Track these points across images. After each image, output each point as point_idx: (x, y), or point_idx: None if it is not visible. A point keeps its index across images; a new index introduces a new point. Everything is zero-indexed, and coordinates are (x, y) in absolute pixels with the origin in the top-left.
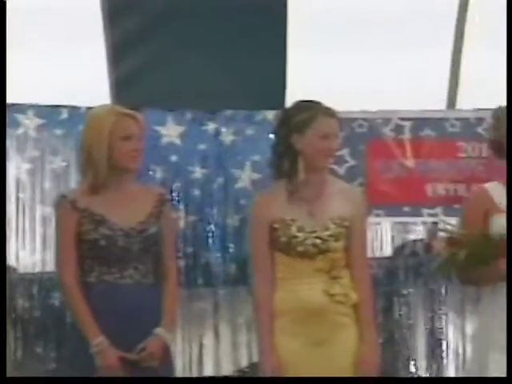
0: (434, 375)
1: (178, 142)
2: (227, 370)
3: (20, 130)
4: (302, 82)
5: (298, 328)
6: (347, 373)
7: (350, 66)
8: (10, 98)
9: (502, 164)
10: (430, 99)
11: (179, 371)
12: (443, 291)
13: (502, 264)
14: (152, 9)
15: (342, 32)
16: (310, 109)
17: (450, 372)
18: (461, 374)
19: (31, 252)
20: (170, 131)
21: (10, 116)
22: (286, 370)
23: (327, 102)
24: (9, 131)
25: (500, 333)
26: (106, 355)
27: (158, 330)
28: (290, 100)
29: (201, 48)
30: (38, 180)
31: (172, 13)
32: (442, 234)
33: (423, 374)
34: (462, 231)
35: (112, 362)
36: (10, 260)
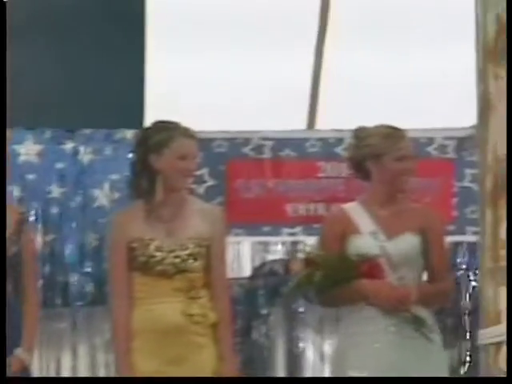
0: None
1: (35, 160)
2: None
3: None
4: (161, 95)
5: (155, 348)
6: None
7: (206, 80)
8: None
9: (362, 184)
10: (291, 119)
11: None
12: (303, 311)
13: (360, 285)
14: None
15: (204, 40)
16: (168, 129)
17: None
18: None
19: None
20: (28, 150)
21: None
22: None
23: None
24: None
25: (357, 354)
26: None
27: (18, 351)
28: (150, 114)
29: (58, 62)
30: None
31: (29, 25)
32: (300, 254)
33: None
34: (319, 252)
35: None
36: None
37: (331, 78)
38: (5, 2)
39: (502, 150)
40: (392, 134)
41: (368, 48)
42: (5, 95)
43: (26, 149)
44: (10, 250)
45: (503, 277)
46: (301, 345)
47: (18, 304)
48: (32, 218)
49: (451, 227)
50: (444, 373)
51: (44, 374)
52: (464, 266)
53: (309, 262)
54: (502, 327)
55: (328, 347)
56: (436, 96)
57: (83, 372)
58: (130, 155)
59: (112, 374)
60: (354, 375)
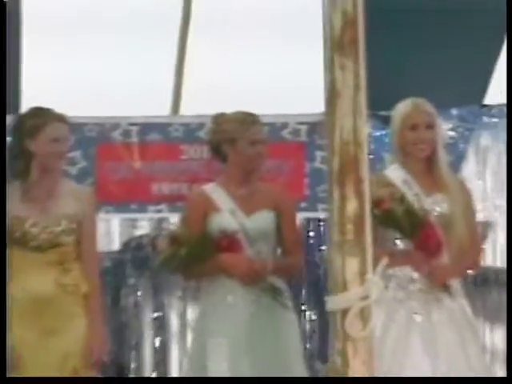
0: (154, 362)
1: None
2: None
3: None
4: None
5: (31, 318)
6: (76, 360)
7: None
8: None
9: (221, 166)
10: (155, 105)
11: None
12: (168, 282)
13: (221, 259)
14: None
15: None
16: (42, 115)
17: (172, 358)
18: (181, 358)
19: None
20: None
21: None
22: (23, 362)
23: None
24: None
25: (217, 322)
26: None
27: None
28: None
29: None
30: None
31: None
32: (165, 231)
33: (145, 361)
34: (182, 230)
35: None
36: None
37: (193, 69)
38: (5, 3)
39: (347, 135)
40: (246, 120)
41: (229, 39)
42: (5, 93)
43: None
44: None
45: (349, 249)
46: (166, 312)
47: None
48: None
49: (304, 205)
50: (297, 339)
51: None
52: (315, 240)
53: (173, 239)
54: (348, 294)
55: (191, 315)
56: (290, 85)
57: None
58: (8, 139)
59: None
60: (213, 342)
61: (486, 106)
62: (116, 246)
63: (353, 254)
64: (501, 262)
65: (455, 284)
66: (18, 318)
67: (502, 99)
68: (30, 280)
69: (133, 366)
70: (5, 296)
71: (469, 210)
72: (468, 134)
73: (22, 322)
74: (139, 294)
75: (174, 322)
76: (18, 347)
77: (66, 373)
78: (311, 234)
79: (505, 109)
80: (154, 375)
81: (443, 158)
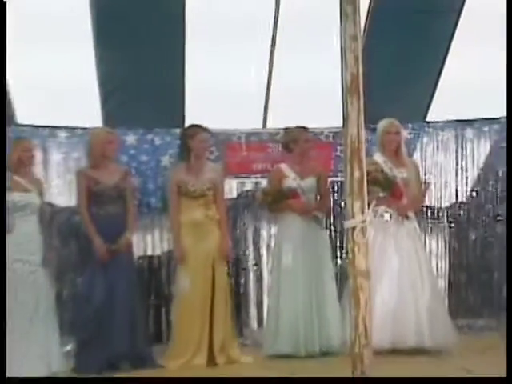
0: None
1: (147, 146)
2: (158, 251)
3: None
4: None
5: (191, 232)
6: (216, 254)
7: None
8: None
9: (287, 154)
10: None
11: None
12: (261, 214)
13: (289, 202)
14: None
15: None
16: (196, 128)
17: (264, 253)
18: (267, 254)
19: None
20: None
21: None
22: (187, 253)
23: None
24: None
25: (286, 234)
26: (100, 246)
27: (128, 233)
28: None
29: None
30: None
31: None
32: (259, 188)
33: (251, 251)
34: (269, 187)
35: (103, 251)
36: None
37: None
38: (5, 2)
39: (354, 138)
40: (301, 130)
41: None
42: (5, 95)
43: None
44: (125, 183)
45: (355, 196)
46: (260, 229)
47: (124, 212)
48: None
49: (331, 174)
50: (327, 244)
51: None
52: (337, 193)
53: (264, 192)
54: (355, 220)
55: (273, 230)
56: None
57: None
58: (177, 141)
59: (170, 246)
60: (284, 245)
61: (427, 122)
62: (234, 195)
63: (357, 199)
64: (430, 201)
65: (411, 214)
66: (185, 233)
67: (435, 117)
68: (190, 213)
69: (248, 254)
70: (5, 296)
71: (417, 176)
72: (416, 137)
73: (187, 235)
74: (245, 221)
75: (264, 234)
76: (184, 247)
77: (208, 263)
78: (335, 189)
79: (437, 125)
80: (254, 263)
81: (403, 149)
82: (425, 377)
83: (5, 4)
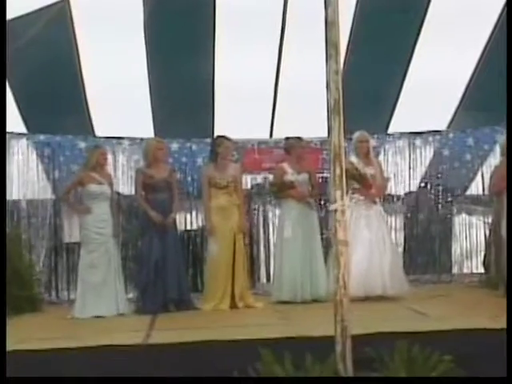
0: None
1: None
2: (195, 227)
3: None
4: None
5: (219, 213)
6: (236, 229)
7: None
8: None
9: (288, 156)
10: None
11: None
12: (269, 199)
13: (290, 191)
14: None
15: None
16: (222, 138)
17: (270, 227)
18: (273, 229)
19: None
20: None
21: None
22: (215, 228)
23: None
24: None
25: (287, 214)
26: (156, 216)
27: (173, 213)
28: None
29: None
30: None
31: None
32: (267, 181)
33: (262, 226)
34: (274, 180)
35: (158, 218)
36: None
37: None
38: (5, 2)
39: (337, 143)
40: (297, 139)
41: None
42: (5, 96)
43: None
44: (169, 179)
45: (336, 187)
46: (267, 211)
47: (172, 196)
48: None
49: (319, 171)
50: (317, 222)
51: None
52: (324, 185)
53: (271, 183)
54: (337, 204)
55: (277, 211)
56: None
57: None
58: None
59: (203, 222)
60: (286, 222)
61: (388, 133)
62: (248, 187)
63: (338, 189)
64: (391, 191)
65: (377, 200)
66: (213, 214)
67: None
68: (217, 199)
69: (259, 229)
70: (5, 296)
71: (381, 172)
72: (380, 144)
73: (215, 215)
74: (257, 205)
75: (270, 215)
76: (213, 224)
77: (231, 235)
78: (322, 182)
79: (395, 135)
80: (263, 235)
81: (372, 153)
82: (425, 377)
83: (5, 4)
